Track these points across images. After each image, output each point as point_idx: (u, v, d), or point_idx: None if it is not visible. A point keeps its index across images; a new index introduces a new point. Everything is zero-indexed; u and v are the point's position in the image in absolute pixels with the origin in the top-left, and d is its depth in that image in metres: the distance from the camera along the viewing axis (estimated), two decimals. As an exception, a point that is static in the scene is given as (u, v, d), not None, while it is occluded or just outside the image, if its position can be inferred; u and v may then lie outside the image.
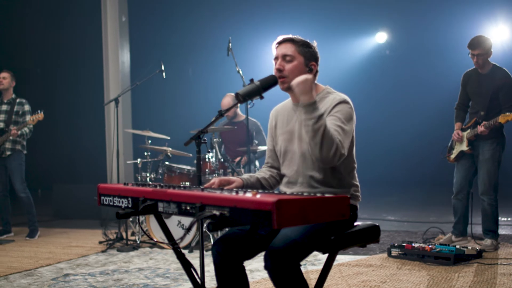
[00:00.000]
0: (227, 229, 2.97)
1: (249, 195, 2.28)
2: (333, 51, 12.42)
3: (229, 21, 12.28)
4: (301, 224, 2.18)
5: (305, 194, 2.39)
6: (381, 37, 12.85)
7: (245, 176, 3.01)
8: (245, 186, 2.98)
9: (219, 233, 6.11)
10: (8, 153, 7.09)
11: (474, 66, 5.80)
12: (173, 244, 2.83)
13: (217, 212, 2.28)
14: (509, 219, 7.50)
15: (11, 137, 6.98)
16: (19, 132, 6.95)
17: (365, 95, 11.95)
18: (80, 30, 12.34)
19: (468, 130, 5.76)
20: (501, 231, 6.62)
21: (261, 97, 2.93)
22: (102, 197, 3.00)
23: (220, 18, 12.48)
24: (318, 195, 2.33)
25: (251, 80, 2.92)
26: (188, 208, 2.44)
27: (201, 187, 2.77)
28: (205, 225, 3.90)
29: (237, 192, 2.39)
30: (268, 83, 2.92)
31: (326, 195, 2.30)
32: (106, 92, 9.92)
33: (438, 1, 11.79)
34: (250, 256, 2.94)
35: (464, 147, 5.79)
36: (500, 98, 5.57)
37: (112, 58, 9.93)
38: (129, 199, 2.81)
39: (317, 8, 12.29)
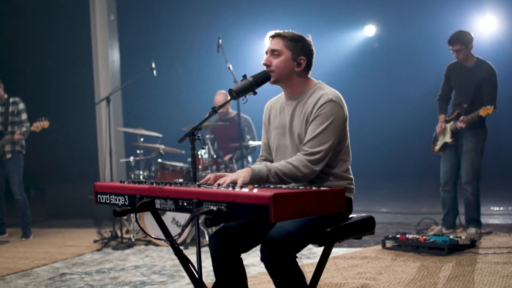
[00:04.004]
0: (221, 224, 2.97)
1: (245, 190, 2.30)
2: (322, 45, 12.38)
3: (219, 17, 12.28)
4: (299, 217, 2.20)
5: (301, 187, 2.42)
6: (369, 30, 12.81)
7: None
8: None
9: (213, 228, 6.13)
10: (9, 155, 7.07)
11: None
12: (171, 240, 2.84)
13: (214, 208, 2.30)
14: (501, 208, 7.56)
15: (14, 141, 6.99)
16: (23, 136, 6.96)
17: (353, 89, 11.94)
18: (69, 30, 12.30)
19: (452, 122, 5.86)
20: (494, 220, 6.70)
21: (254, 93, 2.95)
22: (99, 195, 3.03)
23: (209, 14, 12.47)
24: (314, 188, 2.35)
25: (244, 76, 2.94)
26: (185, 204, 2.46)
27: (197, 183, 2.78)
28: (201, 220, 3.91)
29: (233, 188, 2.41)
30: (261, 78, 2.94)
31: (322, 188, 2.32)
32: (96, 91, 9.90)
33: (425, -6, 11.84)
34: (247, 249, 2.94)
35: (448, 138, 5.87)
36: (483, 91, 5.66)
37: (101, 57, 9.90)
38: (126, 196, 2.83)
39: (305, 2, 12.30)
